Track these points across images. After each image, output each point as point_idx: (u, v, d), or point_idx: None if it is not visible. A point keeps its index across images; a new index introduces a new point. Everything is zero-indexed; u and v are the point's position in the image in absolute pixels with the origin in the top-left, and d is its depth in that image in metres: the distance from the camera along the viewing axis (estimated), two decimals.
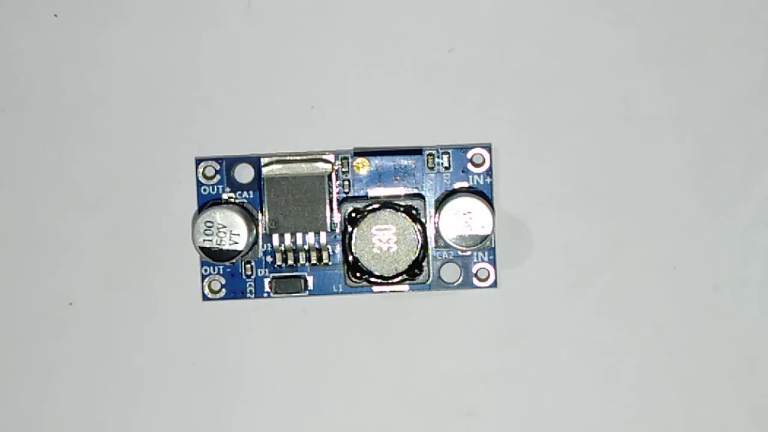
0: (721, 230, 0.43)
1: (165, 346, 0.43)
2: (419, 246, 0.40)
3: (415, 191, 0.42)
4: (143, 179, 0.43)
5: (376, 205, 0.41)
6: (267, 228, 0.41)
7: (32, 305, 0.43)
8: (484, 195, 0.42)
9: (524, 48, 0.43)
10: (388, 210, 0.41)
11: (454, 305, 0.43)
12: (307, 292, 0.42)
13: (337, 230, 0.42)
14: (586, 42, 0.43)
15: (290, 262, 0.42)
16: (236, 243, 0.40)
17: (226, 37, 0.43)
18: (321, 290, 0.42)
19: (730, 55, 0.43)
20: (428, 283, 0.42)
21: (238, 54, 0.43)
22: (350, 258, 0.40)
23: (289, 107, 0.43)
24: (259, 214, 0.42)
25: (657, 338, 0.43)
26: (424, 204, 0.42)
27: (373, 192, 0.42)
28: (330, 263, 0.42)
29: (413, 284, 0.42)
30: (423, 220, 0.41)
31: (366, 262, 0.40)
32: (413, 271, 0.41)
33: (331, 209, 0.42)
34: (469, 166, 0.42)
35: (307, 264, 0.42)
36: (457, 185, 0.42)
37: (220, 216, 0.40)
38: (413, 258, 0.40)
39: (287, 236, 0.41)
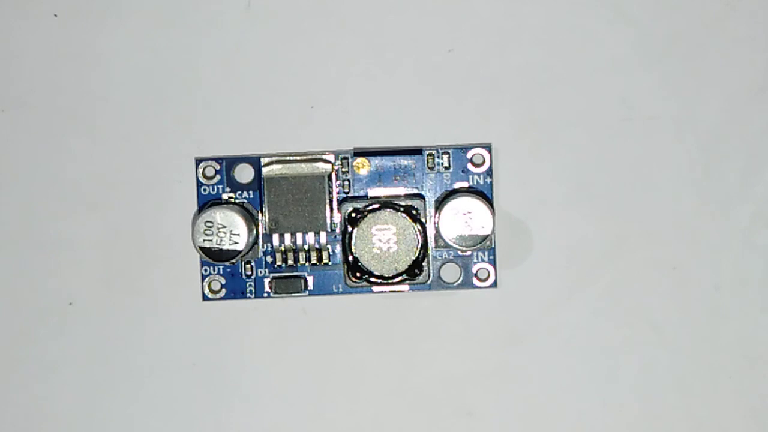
0: (721, 230, 0.43)
1: (165, 346, 0.43)
2: (419, 246, 0.40)
3: (415, 191, 0.42)
4: (143, 179, 0.43)
5: (376, 205, 0.41)
6: (267, 228, 0.41)
7: (32, 305, 0.43)
8: (484, 195, 0.42)
9: (524, 48, 0.43)
10: (388, 210, 0.41)
11: (454, 305, 0.43)
12: (307, 292, 0.42)
13: (337, 230, 0.42)
14: (586, 42, 0.43)
15: (290, 262, 0.42)
16: (236, 243, 0.40)
17: (226, 37, 0.43)
18: (321, 290, 0.42)
19: (730, 55, 0.43)
20: (428, 283, 0.42)
21: (238, 54, 0.43)
22: (350, 258, 0.40)
23: (289, 107, 0.43)
24: (259, 214, 0.42)
25: (657, 338, 0.43)
26: (424, 204, 0.42)
27: (373, 192, 0.42)
28: (330, 263, 0.42)
29: (413, 284, 0.42)
30: (423, 220, 0.41)
31: (366, 262, 0.40)
32: (413, 271, 0.41)
33: (331, 209, 0.42)
34: (469, 166, 0.42)
35: (307, 264, 0.42)
36: (457, 185, 0.42)
37: (220, 216, 0.40)
38: (413, 258, 0.40)
39: (287, 236, 0.41)
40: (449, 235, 0.40)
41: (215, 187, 0.42)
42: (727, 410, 0.43)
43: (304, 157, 0.42)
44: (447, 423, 0.43)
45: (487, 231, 0.40)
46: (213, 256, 0.40)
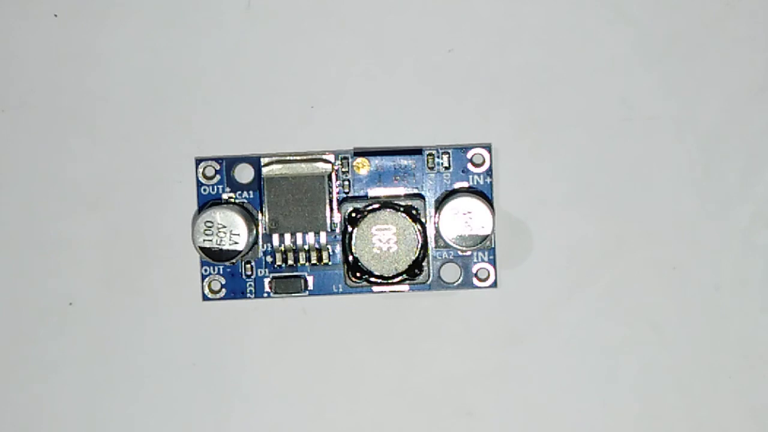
0: (721, 230, 0.43)
1: (165, 346, 0.43)
2: (419, 246, 0.40)
3: (415, 191, 0.42)
4: (143, 179, 0.43)
5: (376, 205, 0.41)
6: (267, 228, 0.41)
7: (32, 305, 0.43)
8: (484, 195, 0.42)
9: (524, 48, 0.43)
10: (388, 210, 0.41)
11: (454, 305, 0.43)
12: (307, 292, 0.42)
13: (337, 230, 0.42)
14: (586, 42, 0.43)
15: (290, 262, 0.42)
16: (236, 243, 0.40)
17: (226, 37, 0.43)
18: (321, 290, 0.42)
19: (730, 55, 0.43)
20: (428, 283, 0.42)
21: (238, 54, 0.43)
22: (350, 258, 0.40)
23: (289, 107, 0.43)
24: (259, 214, 0.42)
25: (657, 338, 0.43)
26: (424, 204, 0.42)
27: (373, 192, 0.42)
28: (330, 263, 0.42)
29: (413, 284, 0.42)
30: (423, 220, 0.41)
31: (366, 262, 0.40)
32: (413, 271, 0.41)
33: (331, 209, 0.42)
34: (469, 166, 0.42)
35: (307, 264, 0.42)
36: (457, 185, 0.42)
37: (220, 216, 0.40)
38: (413, 258, 0.40)
39: (287, 236, 0.41)
40: (449, 235, 0.40)
41: (215, 187, 0.42)
42: (727, 410, 0.43)
43: (304, 157, 0.42)
44: (447, 423, 0.43)
45: (487, 231, 0.40)
46: (213, 256, 0.40)
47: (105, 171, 0.43)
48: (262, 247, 0.42)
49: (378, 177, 0.42)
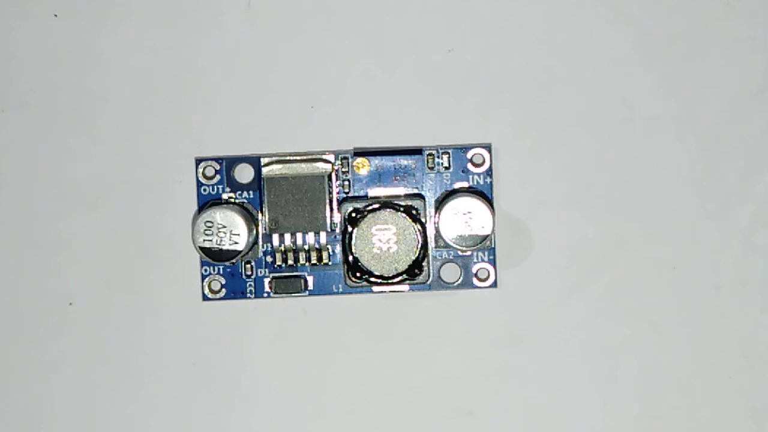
0: (721, 230, 0.43)
1: (165, 346, 0.43)
2: (419, 246, 0.40)
3: (415, 191, 0.42)
4: (143, 179, 0.43)
5: (376, 205, 0.41)
6: (267, 228, 0.41)
7: (32, 305, 0.43)
8: (484, 195, 0.42)
9: (524, 48, 0.43)
10: (388, 210, 0.41)
11: (454, 305, 0.43)
12: (307, 292, 0.42)
13: (337, 230, 0.42)
14: (586, 42, 0.43)
15: (290, 262, 0.42)
16: (236, 243, 0.40)
17: (226, 37, 0.43)
18: (321, 290, 0.42)
19: (730, 55, 0.43)
20: (428, 283, 0.42)
21: (238, 54, 0.43)
22: (350, 258, 0.40)
23: (289, 107, 0.43)
24: (259, 214, 0.42)
25: (657, 338, 0.43)
26: (424, 204, 0.42)
27: (373, 192, 0.42)
28: (330, 263, 0.42)
29: (413, 284, 0.42)
30: (423, 220, 0.41)
31: (366, 262, 0.40)
32: (413, 271, 0.41)
33: (331, 209, 0.42)
34: (469, 166, 0.42)
35: (307, 264, 0.42)
36: (457, 185, 0.42)
37: (220, 216, 0.40)
38: (413, 258, 0.40)
39: (287, 236, 0.41)
40: (449, 235, 0.40)
41: (215, 187, 0.42)
42: (727, 410, 0.43)
43: (304, 157, 0.42)
44: (447, 423, 0.43)
45: (487, 231, 0.40)
46: (213, 256, 0.40)
47: (105, 171, 0.43)
48: (262, 247, 0.42)
49: (378, 177, 0.42)
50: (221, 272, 0.42)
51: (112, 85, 0.43)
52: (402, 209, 0.41)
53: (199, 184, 0.42)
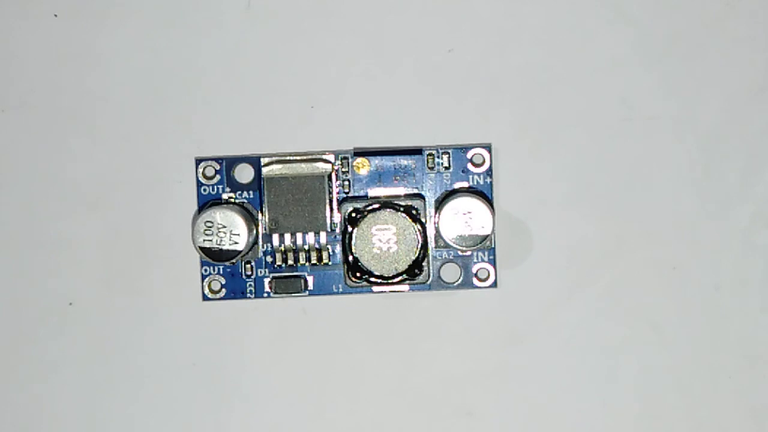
0: (721, 230, 0.43)
1: (165, 346, 0.43)
2: (419, 246, 0.40)
3: (415, 191, 0.42)
4: (143, 179, 0.43)
5: (376, 205, 0.41)
6: (267, 228, 0.41)
7: (32, 305, 0.43)
8: (484, 195, 0.42)
9: (524, 48, 0.43)
10: (388, 210, 0.41)
11: (454, 305, 0.43)
12: (307, 292, 0.42)
13: (337, 230, 0.42)
14: (586, 42, 0.43)
15: (290, 262, 0.42)
16: (236, 243, 0.40)
17: (226, 37, 0.43)
18: (321, 290, 0.42)
19: (730, 55, 0.43)
20: (428, 283, 0.42)
21: (238, 54, 0.43)
22: (350, 258, 0.40)
23: (289, 107, 0.43)
24: (259, 214, 0.42)
25: (657, 338, 0.43)
26: (424, 204, 0.42)
27: (373, 192, 0.42)
28: (330, 263, 0.42)
29: (413, 284, 0.42)
30: (423, 220, 0.41)
31: (366, 262, 0.40)
32: (413, 271, 0.41)
33: (331, 209, 0.42)
34: (469, 166, 0.42)
35: (307, 264, 0.42)
36: (457, 185, 0.42)
37: (220, 216, 0.40)
38: (413, 258, 0.40)
39: (287, 236, 0.41)
40: (449, 235, 0.40)
41: (215, 187, 0.42)
42: (727, 410, 0.43)
43: (304, 157, 0.42)
44: (447, 423, 0.43)
45: (487, 231, 0.40)
46: (213, 256, 0.40)
47: (105, 171, 0.43)
48: (262, 247, 0.42)
49: (378, 177, 0.42)
50: (221, 272, 0.42)
51: (112, 85, 0.43)
52: (402, 209, 0.41)
53: (199, 184, 0.42)
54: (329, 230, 0.41)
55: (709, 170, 0.43)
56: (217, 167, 0.42)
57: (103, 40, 0.43)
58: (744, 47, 0.43)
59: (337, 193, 0.42)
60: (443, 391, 0.43)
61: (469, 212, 0.40)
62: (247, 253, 0.41)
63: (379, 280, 0.41)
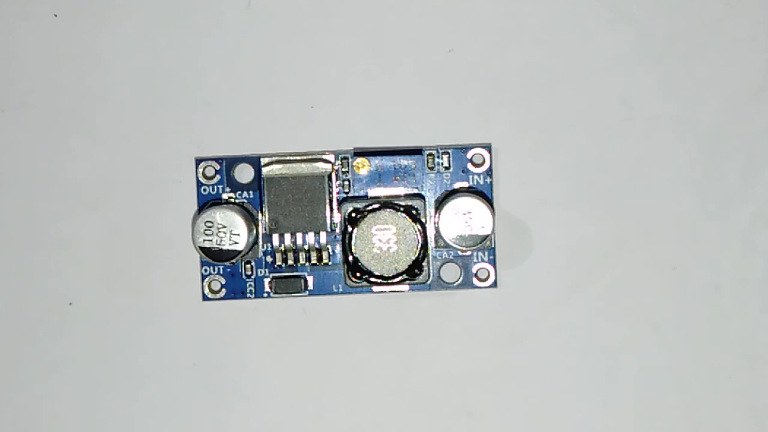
0: (721, 230, 0.43)
1: (165, 346, 0.43)
2: (419, 246, 0.40)
3: (415, 191, 0.42)
4: (143, 179, 0.43)
5: (376, 205, 0.41)
6: (267, 228, 0.41)
7: (32, 305, 0.43)
8: (484, 195, 0.42)
9: (524, 48, 0.43)
10: (388, 210, 0.41)
11: (454, 305, 0.43)
12: (307, 292, 0.42)
13: (337, 230, 0.42)
14: (586, 42, 0.43)
15: (290, 262, 0.42)
16: (236, 243, 0.40)
17: (226, 37, 0.43)
18: (321, 290, 0.42)
19: (730, 55, 0.43)
20: (428, 283, 0.42)
21: (238, 54, 0.43)
22: (350, 258, 0.40)
23: (289, 107, 0.43)
24: (259, 214, 0.42)
25: (657, 338, 0.43)
26: (424, 204, 0.42)
27: (373, 192, 0.42)
28: (330, 263, 0.42)
29: (413, 284, 0.42)
30: (423, 220, 0.41)
31: (366, 262, 0.40)
32: (413, 271, 0.41)
33: (331, 209, 0.42)
34: (469, 166, 0.42)
35: (307, 264, 0.42)
36: (457, 185, 0.42)
37: (220, 216, 0.40)
38: (413, 258, 0.40)
39: (287, 236, 0.41)
40: (449, 235, 0.40)
41: (215, 187, 0.42)
42: (727, 410, 0.43)
43: (304, 157, 0.42)
44: (447, 423, 0.43)
45: (487, 231, 0.40)
46: (213, 256, 0.40)
47: (105, 171, 0.43)
48: (262, 247, 0.42)
49: (378, 177, 0.42)
50: (221, 272, 0.42)
51: (112, 85, 0.43)
52: (402, 209, 0.41)
53: (199, 184, 0.42)
54: (329, 230, 0.41)
55: (709, 170, 0.43)
56: (217, 167, 0.42)
57: (103, 40, 0.43)
58: (744, 47, 0.43)
59: (337, 193, 0.42)
60: (443, 391, 0.43)
61: (469, 212, 0.40)
62: (247, 253, 0.41)
63: (379, 280, 0.41)
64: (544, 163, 0.43)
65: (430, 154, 0.42)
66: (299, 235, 0.41)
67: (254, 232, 0.41)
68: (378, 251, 0.40)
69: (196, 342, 0.43)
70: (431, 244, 0.42)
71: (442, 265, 0.42)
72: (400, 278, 0.41)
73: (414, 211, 0.41)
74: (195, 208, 0.42)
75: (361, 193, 0.42)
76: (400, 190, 0.42)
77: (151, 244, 0.43)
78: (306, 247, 0.42)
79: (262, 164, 0.42)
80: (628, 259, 0.43)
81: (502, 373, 0.43)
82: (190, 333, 0.43)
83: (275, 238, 0.42)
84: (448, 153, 0.42)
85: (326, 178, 0.41)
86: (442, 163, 0.42)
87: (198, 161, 0.42)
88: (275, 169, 0.41)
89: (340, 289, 0.42)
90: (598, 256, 0.43)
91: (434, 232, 0.42)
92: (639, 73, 0.43)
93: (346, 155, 0.42)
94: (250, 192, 0.42)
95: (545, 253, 0.43)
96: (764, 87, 0.43)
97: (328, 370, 0.43)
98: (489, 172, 0.42)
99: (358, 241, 0.40)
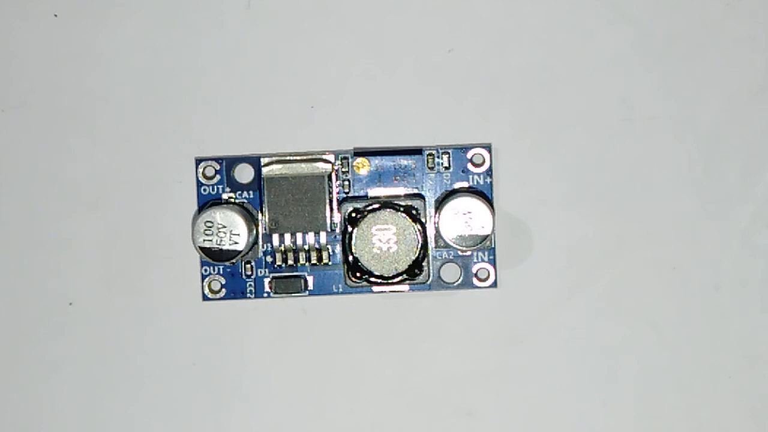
0: (721, 230, 0.43)
1: (165, 346, 0.43)
2: (419, 246, 0.40)
3: (415, 191, 0.42)
4: (143, 179, 0.43)
5: (376, 205, 0.41)
6: (267, 228, 0.41)
7: (32, 305, 0.43)
8: (484, 195, 0.42)
9: (524, 48, 0.43)
10: (388, 210, 0.41)
11: (454, 305, 0.43)
12: (307, 292, 0.42)
13: (337, 230, 0.42)
14: (586, 42, 0.43)
15: (290, 262, 0.42)
16: (236, 243, 0.40)
17: (226, 37, 0.43)
18: (321, 290, 0.42)
19: (730, 55, 0.43)
20: (428, 283, 0.42)
21: (238, 54, 0.43)
22: (350, 258, 0.40)
23: (289, 107, 0.43)
24: (259, 214, 0.42)
25: (657, 338, 0.43)
26: (424, 204, 0.42)
27: (373, 192, 0.42)
28: (330, 263, 0.42)
29: (413, 284, 0.42)
30: (423, 220, 0.41)
31: (366, 262, 0.40)
32: (413, 271, 0.41)
33: (331, 209, 0.42)
34: (469, 166, 0.42)
35: (307, 264, 0.42)
36: (457, 185, 0.42)
37: (220, 216, 0.40)
38: (413, 258, 0.40)
39: (287, 236, 0.41)
40: (449, 235, 0.40)
41: (215, 187, 0.42)
42: (727, 410, 0.43)
43: (304, 157, 0.42)
44: (447, 423, 0.43)
45: (487, 231, 0.40)
46: (213, 256, 0.40)
47: (105, 171, 0.43)
48: (262, 247, 0.42)
49: (378, 177, 0.42)
50: (221, 272, 0.42)
51: (112, 85, 0.43)
52: (402, 209, 0.41)
53: (199, 184, 0.42)
54: (329, 230, 0.41)
55: (709, 170, 0.43)
56: (217, 167, 0.42)
57: (103, 40, 0.43)
58: (744, 47, 0.43)
59: (337, 193, 0.42)
60: (443, 391, 0.43)
61: (469, 212, 0.40)
62: (247, 253, 0.41)
63: (379, 280, 0.41)
64: (544, 163, 0.43)
65: (430, 154, 0.42)
66: (299, 235, 0.41)
67: (254, 232, 0.41)
68: (378, 251, 0.40)
69: (196, 342, 0.43)
70: (431, 244, 0.42)
71: (442, 265, 0.42)
72: (400, 278, 0.41)
73: (414, 211, 0.41)
74: (195, 208, 0.42)
75: (361, 193, 0.42)
76: (400, 190, 0.42)
77: (151, 244, 0.43)
78: (306, 247, 0.42)
79: (262, 164, 0.42)
80: (628, 259, 0.43)
81: (502, 373, 0.43)
82: (190, 333, 0.43)
83: (275, 238, 0.42)
84: (448, 153, 0.42)
85: (326, 178, 0.41)
86: (442, 163, 0.42)
87: (198, 161, 0.42)
88: (275, 169, 0.41)
89: (340, 289, 0.42)
90: (598, 256, 0.43)
91: (434, 232, 0.42)
92: (639, 73, 0.43)
93: (346, 155, 0.42)
94: (250, 192, 0.42)
95: (545, 253, 0.43)
96: (764, 87, 0.43)
97: (328, 370, 0.43)
98: (489, 172, 0.42)
99: (358, 241, 0.40)
